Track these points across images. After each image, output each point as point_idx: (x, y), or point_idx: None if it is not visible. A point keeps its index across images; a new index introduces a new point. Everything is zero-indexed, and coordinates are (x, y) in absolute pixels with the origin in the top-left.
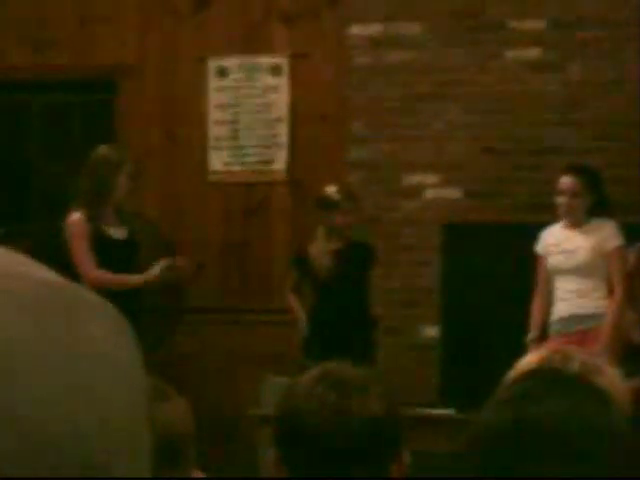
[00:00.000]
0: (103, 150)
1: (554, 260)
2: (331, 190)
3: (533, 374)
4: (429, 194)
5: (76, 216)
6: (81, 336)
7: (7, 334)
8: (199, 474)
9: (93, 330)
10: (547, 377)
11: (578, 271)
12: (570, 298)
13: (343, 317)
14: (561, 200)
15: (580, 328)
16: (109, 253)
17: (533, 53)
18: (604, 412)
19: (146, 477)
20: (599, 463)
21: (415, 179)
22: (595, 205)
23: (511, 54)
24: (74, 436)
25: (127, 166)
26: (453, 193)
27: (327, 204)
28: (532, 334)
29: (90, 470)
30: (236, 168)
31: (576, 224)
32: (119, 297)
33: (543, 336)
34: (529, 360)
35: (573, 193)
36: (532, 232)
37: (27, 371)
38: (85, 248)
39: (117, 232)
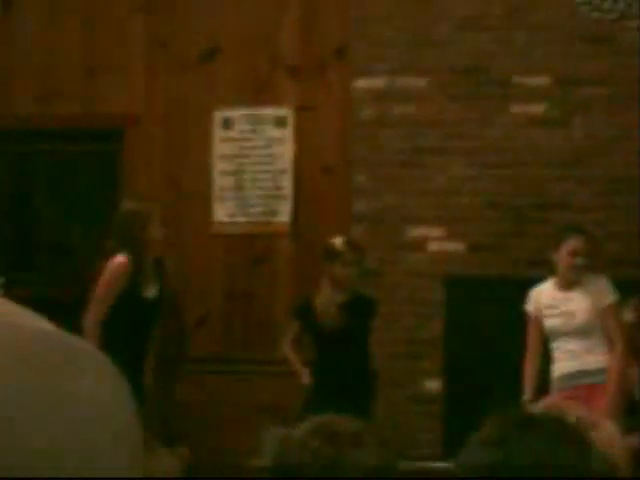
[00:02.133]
0: (130, 204)
1: (553, 323)
2: (336, 241)
3: (506, 419)
4: (432, 247)
5: (122, 259)
6: (77, 387)
7: (5, 383)
8: None
9: (88, 381)
10: (521, 421)
11: (579, 332)
12: (575, 356)
13: (346, 370)
14: (575, 262)
15: (589, 382)
16: (139, 314)
17: (537, 109)
18: (580, 454)
19: None
20: None
21: (419, 232)
22: None
23: (515, 109)
24: None
25: (156, 215)
26: (456, 246)
27: (331, 255)
28: (527, 395)
29: None
30: (240, 219)
31: (575, 283)
32: (126, 346)
33: (539, 395)
34: None
35: (587, 254)
36: (534, 287)
37: (26, 420)
38: (107, 296)
39: (151, 290)
